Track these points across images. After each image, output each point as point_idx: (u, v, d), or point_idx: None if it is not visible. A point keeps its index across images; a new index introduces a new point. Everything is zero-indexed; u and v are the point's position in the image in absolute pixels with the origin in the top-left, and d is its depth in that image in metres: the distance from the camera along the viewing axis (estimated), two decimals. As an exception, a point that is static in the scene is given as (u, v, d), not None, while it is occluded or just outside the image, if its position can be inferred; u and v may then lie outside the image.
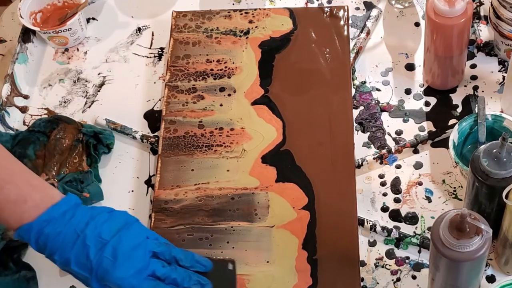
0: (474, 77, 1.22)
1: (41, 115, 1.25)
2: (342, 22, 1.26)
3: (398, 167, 1.15)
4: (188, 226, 1.08)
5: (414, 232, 1.09)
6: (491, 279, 1.04)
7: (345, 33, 1.25)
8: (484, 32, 1.27)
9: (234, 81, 1.22)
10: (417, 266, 1.06)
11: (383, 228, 1.08)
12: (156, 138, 1.19)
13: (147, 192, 1.16)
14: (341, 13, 1.27)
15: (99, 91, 1.27)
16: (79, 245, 0.92)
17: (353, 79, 1.24)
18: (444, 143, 1.16)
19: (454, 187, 1.12)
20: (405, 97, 1.22)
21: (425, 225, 1.09)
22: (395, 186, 1.13)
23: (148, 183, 1.17)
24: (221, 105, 1.19)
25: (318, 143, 1.14)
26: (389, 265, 1.07)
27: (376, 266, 1.07)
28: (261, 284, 1.03)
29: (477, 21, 1.28)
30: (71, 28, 1.29)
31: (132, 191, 1.16)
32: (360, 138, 1.18)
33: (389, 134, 1.18)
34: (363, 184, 1.14)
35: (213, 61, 1.24)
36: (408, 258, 1.07)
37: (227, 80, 1.22)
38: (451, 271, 0.92)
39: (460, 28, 1.11)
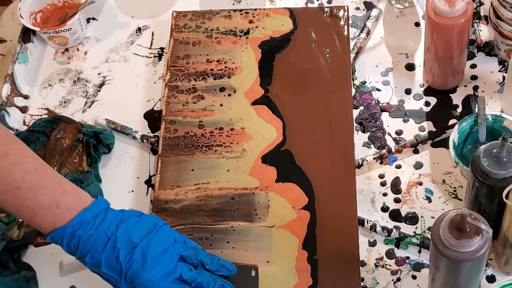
0: (474, 77, 1.22)
1: (41, 115, 1.25)
2: (342, 22, 1.26)
3: (398, 167, 1.15)
4: (188, 226, 1.08)
5: (414, 232, 1.09)
6: (491, 279, 1.04)
7: (345, 33, 1.25)
8: (484, 32, 1.27)
9: (234, 81, 1.22)
10: (417, 266, 1.06)
11: (383, 228, 1.08)
12: (156, 138, 1.20)
13: (147, 192, 1.16)
14: (341, 13, 1.27)
15: (99, 91, 1.27)
16: (109, 248, 0.94)
17: (353, 79, 1.24)
18: (444, 143, 1.16)
19: (454, 187, 1.12)
20: (405, 97, 1.22)
21: (425, 225, 1.09)
22: (395, 186, 1.13)
23: (148, 183, 1.17)
24: (221, 105, 1.19)
25: (318, 143, 1.14)
26: (389, 265, 1.07)
27: (376, 266, 1.07)
28: (261, 284, 1.03)
29: (477, 21, 1.28)
30: (71, 28, 1.29)
31: (132, 191, 1.16)
32: (360, 138, 1.18)
33: (389, 134, 1.18)
34: (363, 184, 1.14)
35: (213, 61, 1.24)
36: (408, 258, 1.07)
37: (227, 80, 1.22)
38: (451, 271, 0.92)
39: (460, 28, 1.11)
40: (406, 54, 1.26)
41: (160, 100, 1.25)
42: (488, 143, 0.97)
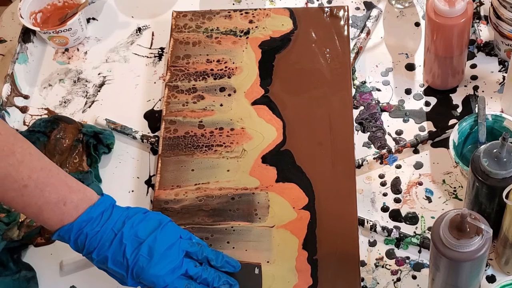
0: (474, 77, 1.22)
1: (41, 115, 1.25)
2: (342, 22, 1.26)
3: (398, 167, 1.15)
4: (188, 226, 1.08)
5: (414, 232, 1.09)
6: (491, 279, 1.04)
7: (345, 33, 1.25)
8: (484, 32, 1.27)
9: (234, 81, 1.22)
10: (417, 266, 1.06)
11: (383, 228, 1.08)
12: (156, 138, 1.20)
13: (147, 192, 1.16)
14: (341, 13, 1.27)
15: (99, 91, 1.27)
16: (116, 244, 0.95)
17: (353, 79, 1.24)
18: (444, 143, 1.16)
19: (454, 187, 1.12)
20: (405, 97, 1.22)
21: (425, 225, 1.09)
22: (395, 186, 1.13)
23: (148, 183, 1.17)
24: (221, 105, 1.19)
25: (318, 143, 1.14)
26: (389, 265, 1.07)
27: (376, 266, 1.07)
28: (262, 284, 1.03)
29: (477, 21, 1.28)
30: (71, 28, 1.29)
31: (132, 191, 1.16)
32: (360, 138, 1.18)
33: (389, 134, 1.18)
34: (363, 184, 1.14)
35: (213, 61, 1.24)
36: (408, 258, 1.07)
37: (227, 80, 1.22)
38: (451, 271, 0.92)
39: (460, 28, 1.11)
40: (406, 54, 1.26)
41: (160, 100, 1.25)
42: (488, 143, 0.97)
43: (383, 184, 1.14)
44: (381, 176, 1.14)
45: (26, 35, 1.32)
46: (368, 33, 1.29)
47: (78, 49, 1.33)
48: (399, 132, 1.18)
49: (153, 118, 1.23)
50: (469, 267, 0.91)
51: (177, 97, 1.20)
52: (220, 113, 1.18)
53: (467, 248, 0.88)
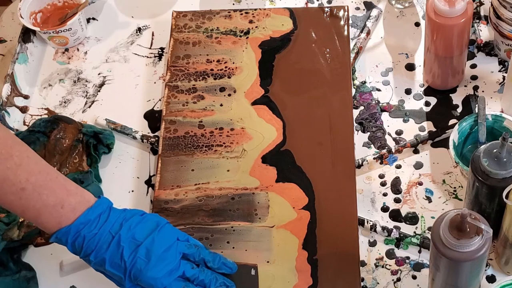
0: (474, 77, 1.22)
1: (41, 115, 1.25)
2: (342, 22, 1.26)
3: (398, 167, 1.15)
4: (188, 226, 1.08)
5: (414, 232, 1.09)
6: (491, 279, 1.04)
7: (345, 33, 1.25)
8: (484, 32, 1.27)
9: (234, 81, 1.22)
10: (417, 266, 1.06)
11: (383, 228, 1.08)
12: (156, 138, 1.20)
13: (147, 192, 1.16)
14: (341, 13, 1.27)
15: (99, 91, 1.27)
16: (113, 246, 0.95)
17: (353, 79, 1.24)
18: (444, 143, 1.16)
19: (454, 187, 1.12)
20: (405, 97, 1.22)
21: (425, 225, 1.09)
22: (395, 186, 1.13)
23: (148, 183, 1.17)
24: (221, 105, 1.19)
25: (318, 143, 1.14)
26: (389, 265, 1.07)
27: (376, 266, 1.07)
28: (261, 284, 1.03)
29: (477, 21, 1.28)
30: (71, 28, 1.29)
31: (132, 191, 1.16)
32: (360, 138, 1.18)
33: (389, 134, 1.18)
34: (363, 184, 1.14)
35: (213, 61, 1.24)
36: (408, 258, 1.07)
37: (227, 80, 1.22)
38: (451, 271, 0.92)
39: (460, 28, 1.11)
40: (406, 54, 1.26)
41: (160, 100, 1.25)
42: (488, 143, 0.97)
43: (383, 184, 1.14)
44: (381, 176, 1.14)
45: (26, 35, 1.32)
46: (368, 33, 1.29)
47: (78, 49, 1.33)
48: (399, 132, 1.18)
49: (153, 118, 1.23)
50: (469, 267, 0.91)
51: (177, 97, 1.20)
52: (220, 113, 1.18)
53: (467, 248, 0.88)
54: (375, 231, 1.09)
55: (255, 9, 1.29)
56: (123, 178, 1.18)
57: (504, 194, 0.92)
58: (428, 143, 1.17)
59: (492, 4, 1.19)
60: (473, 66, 1.23)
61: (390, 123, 1.19)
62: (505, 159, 0.95)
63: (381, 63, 1.26)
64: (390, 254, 1.08)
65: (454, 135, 1.10)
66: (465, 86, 1.21)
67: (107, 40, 1.34)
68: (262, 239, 1.07)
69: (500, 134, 1.02)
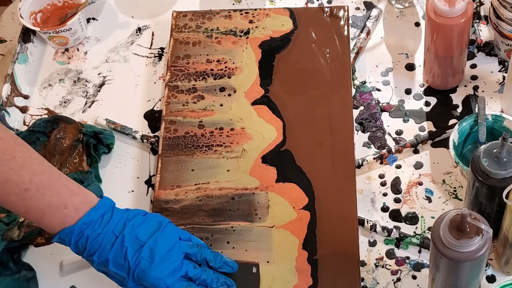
0: (474, 77, 1.22)
1: (41, 115, 1.25)
2: (342, 22, 1.26)
3: (398, 167, 1.15)
4: (188, 226, 1.08)
5: (414, 232, 1.09)
6: (491, 279, 1.04)
7: (345, 33, 1.25)
8: (484, 32, 1.27)
9: (234, 81, 1.22)
10: (417, 266, 1.06)
11: (383, 228, 1.08)
12: (156, 138, 1.19)
13: (147, 192, 1.16)
14: (341, 13, 1.27)
15: (99, 91, 1.27)
16: (117, 246, 0.96)
17: (353, 79, 1.24)
18: (444, 143, 1.16)
19: (454, 187, 1.12)
20: (405, 97, 1.22)
21: (425, 225, 1.09)
22: (395, 186, 1.13)
23: (148, 183, 1.17)
24: (221, 105, 1.19)
25: (318, 143, 1.14)
26: (389, 265, 1.07)
27: (376, 266, 1.07)
28: (261, 284, 1.03)
29: (477, 21, 1.28)
30: (71, 28, 1.29)
31: (132, 191, 1.16)
32: (360, 138, 1.18)
33: (389, 134, 1.18)
34: (363, 184, 1.14)
35: (213, 61, 1.24)
36: (408, 258, 1.07)
37: (227, 80, 1.22)
38: (451, 271, 0.92)
39: (460, 28, 1.11)
40: (406, 54, 1.26)
41: (160, 100, 1.25)
42: (488, 143, 0.97)
43: (383, 184, 1.14)
44: (381, 176, 1.14)
45: (26, 35, 1.32)
46: (368, 33, 1.29)
47: (78, 49, 1.33)
48: (399, 132, 1.18)
49: (153, 118, 1.23)
50: (469, 267, 0.91)
51: (177, 97, 1.20)
52: (220, 113, 1.18)
53: (467, 248, 0.88)
54: (375, 231, 1.09)
55: (255, 9, 1.29)
56: (123, 178, 1.18)
57: (504, 194, 0.92)
58: (428, 143, 1.17)
59: (492, 4, 1.19)
60: (473, 66, 1.23)
61: (390, 123, 1.19)
62: (505, 159, 0.95)
63: (381, 63, 1.26)
64: (390, 254, 1.08)
65: (454, 135, 1.10)
66: (465, 86, 1.21)
67: (107, 40, 1.34)
68: (262, 239, 1.07)
69: (500, 134, 1.02)
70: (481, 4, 1.30)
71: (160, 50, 1.31)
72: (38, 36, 1.33)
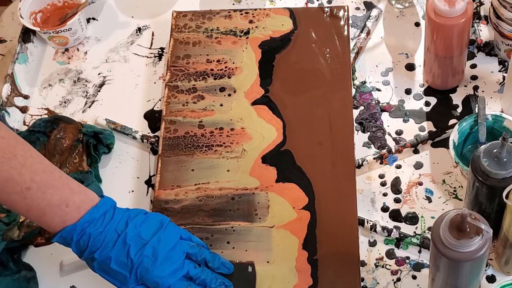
0: (474, 77, 1.22)
1: (41, 115, 1.25)
2: (342, 22, 1.26)
3: (398, 167, 1.15)
4: (188, 226, 1.08)
5: (414, 232, 1.09)
6: (491, 279, 1.04)
7: (345, 33, 1.25)
8: (484, 32, 1.27)
9: (234, 81, 1.22)
10: (417, 266, 1.06)
11: (383, 228, 1.08)
12: (156, 138, 1.20)
13: (147, 192, 1.16)
14: (341, 13, 1.27)
15: (99, 91, 1.27)
16: (119, 244, 0.96)
17: (353, 79, 1.24)
18: (444, 143, 1.16)
19: (454, 187, 1.12)
20: (405, 97, 1.22)
21: (425, 225, 1.09)
22: (395, 186, 1.13)
23: (148, 183, 1.17)
24: (221, 105, 1.19)
25: (318, 143, 1.14)
26: (389, 265, 1.07)
27: (376, 266, 1.07)
28: (261, 284, 1.03)
29: (477, 21, 1.28)
30: (71, 28, 1.29)
31: (132, 191, 1.16)
32: (360, 138, 1.18)
33: (389, 134, 1.18)
34: (363, 184, 1.14)
35: (213, 61, 1.24)
36: (408, 258, 1.07)
37: (227, 80, 1.22)
38: (451, 271, 0.92)
39: (460, 28, 1.11)
40: (406, 54, 1.26)
41: (160, 100, 1.25)
42: (488, 143, 0.97)
43: (383, 184, 1.14)
44: (381, 176, 1.14)
45: (26, 35, 1.32)
46: (368, 33, 1.29)
47: (78, 49, 1.33)
48: (399, 132, 1.18)
49: (153, 118, 1.23)
50: (469, 267, 0.91)
51: (177, 97, 1.20)
52: (220, 113, 1.18)
53: (467, 248, 0.88)
54: (375, 231, 1.09)
55: (255, 9, 1.29)
56: (123, 178, 1.18)
57: (504, 194, 0.92)
58: (428, 143, 1.17)
59: (492, 4, 1.19)
60: (473, 66, 1.23)
61: (390, 123, 1.19)
62: (505, 159, 0.95)
63: (381, 63, 1.26)
64: (390, 254, 1.08)
65: (454, 135, 1.10)
66: (465, 86, 1.21)
67: (107, 40, 1.34)
68: (262, 239, 1.07)
69: (500, 134, 1.02)
70: (481, 4, 1.30)
71: (160, 50, 1.31)
72: (38, 36, 1.33)
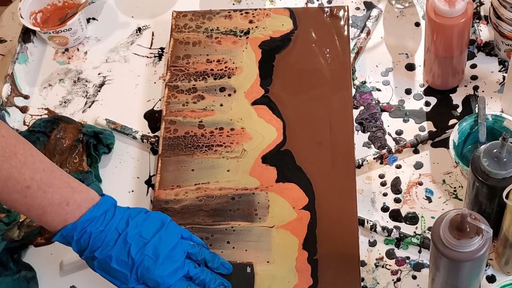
0: (474, 77, 1.22)
1: (41, 115, 1.25)
2: (342, 22, 1.26)
3: (398, 167, 1.15)
4: (188, 226, 1.08)
5: (415, 232, 1.09)
6: (491, 279, 1.04)
7: (345, 33, 1.25)
8: (484, 32, 1.27)
9: (234, 81, 1.22)
10: (418, 266, 1.06)
11: (383, 228, 1.08)
12: (156, 138, 1.20)
13: (147, 192, 1.16)
14: (341, 13, 1.27)
15: (99, 91, 1.27)
16: (120, 243, 0.96)
17: (353, 79, 1.24)
18: (444, 143, 1.16)
19: (455, 187, 1.12)
20: (405, 97, 1.22)
21: (425, 225, 1.09)
22: (395, 186, 1.13)
23: (148, 183, 1.17)
24: (221, 105, 1.19)
25: (319, 143, 1.14)
26: (389, 265, 1.07)
27: (377, 266, 1.07)
28: (262, 284, 1.03)
29: (477, 21, 1.28)
30: (71, 28, 1.29)
31: (132, 191, 1.16)
32: (360, 138, 1.18)
33: (389, 134, 1.18)
34: (363, 184, 1.14)
35: (213, 61, 1.24)
36: (408, 258, 1.07)
37: (227, 80, 1.22)
38: (451, 271, 0.92)
39: (460, 28, 1.11)
40: (406, 54, 1.26)
41: (160, 100, 1.25)
42: (488, 143, 0.97)
43: (383, 184, 1.14)
44: (381, 176, 1.14)
45: (26, 35, 1.32)
46: (368, 33, 1.29)
47: (78, 49, 1.33)
48: (399, 132, 1.18)
49: (153, 118, 1.23)
50: (469, 267, 0.91)
51: (177, 97, 1.20)
52: (220, 113, 1.18)
53: (467, 248, 0.88)
54: (375, 231, 1.09)
55: (255, 9, 1.29)
56: (123, 178, 1.18)
57: (504, 194, 0.92)
58: (428, 143, 1.17)
59: (492, 4, 1.19)
60: (473, 66, 1.23)
61: (390, 123, 1.19)
62: (505, 159, 0.95)
63: (381, 63, 1.26)
64: (390, 254, 1.08)
65: (454, 135, 1.10)
66: (465, 86, 1.21)
67: (107, 40, 1.34)
68: (262, 239, 1.07)
69: (500, 134, 1.02)
70: (481, 4, 1.30)
71: (160, 50, 1.31)
72: (38, 36, 1.33)
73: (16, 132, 0.99)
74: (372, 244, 1.09)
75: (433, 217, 1.10)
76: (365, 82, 1.24)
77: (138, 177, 1.18)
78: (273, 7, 1.34)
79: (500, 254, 1.03)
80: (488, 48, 1.25)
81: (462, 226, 0.88)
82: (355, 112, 1.20)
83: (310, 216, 1.08)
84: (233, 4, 1.36)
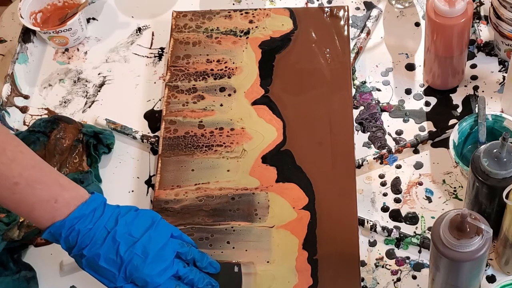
0: (474, 77, 1.22)
1: (41, 115, 1.25)
2: (342, 22, 1.26)
3: (399, 167, 1.15)
4: (188, 226, 1.08)
5: (415, 232, 1.09)
6: (491, 279, 1.04)
7: (345, 33, 1.25)
8: (484, 32, 1.27)
9: (234, 81, 1.22)
10: (418, 266, 1.06)
11: (383, 228, 1.08)
12: (156, 138, 1.20)
13: (147, 192, 1.16)
14: (341, 13, 1.27)
15: (99, 91, 1.27)
16: (109, 242, 0.95)
17: (353, 79, 1.24)
18: (444, 143, 1.16)
19: (455, 187, 1.12)
20: (405, 97, 1.22)
21: (425, 225, 1.09)
22: (395, 186, 1.13)
23: (148, 183, 1.17)
24: (221, 105, 1.19)
25: (319, 143, 1.14)
26: (389, 265, 1.07)
27: (377, 266, 1.07)
28: (262, 284, 1.03)
29: (477, 21, 1.28)
30: (71, 28, 1.29)
31: (132, 191, 1.16)
32: (360, 138, 1.18)
33: (389, 134, 1.18)
34: (363, 184, 1.14)
35: (213, 61, 1.24)
36: (408, 258, 1.07)
37: (227, 80, 1.22)
38: (451, 271, 0.92)
39: (460, 28, 1.12)
40: (406, 54, 1.26)
41: (160, 100, 1.25)
42: (488, 143, 0.97)
43: (383, 184, 1.14)
44: (381, 176, 1.14)
45: (26, 35, 1.32)
46: (368, 33, 1.29)
47: (78, 49, 1.33)
48: (399, 132, 1.18)
49: (153, 118, 1.23)
50: (469, 267, 0.91)
51: (177, 97, 1.20)
52: (220, 113, 1.18)
53: (467, 248, 0.88)
54: (375, 231, 1.09)
55: (255, 9, 1.29)
56: (123, 178, 1.18)
57: (504, 194, 0.92)
58: (428, 143, 1.17)
59: (492, 4, 1.19)
60: (473, 66, 1.23)
61: (390, 123, 1.19)
62: (505, 159, 0.95)
63: (381, 63, 1.26)
64: (390, 254, 1.08)
65: (454, 135, 1.10)
66: (465, 86, 1.21)
67: (107, 40, 1.34)
68: (262, 239, 1.07)
69: (500, 134, 1.02)
70: (481, 4, 1.30)
71: (160, 50, 1.31)
72: (38, 36, 1.33)
73: (6, 129, 0.99)
74: (372, 244, 1.09)
75: (433, 217, 1.10)
76: (365, 82, 1.24)
77: (138, 177, 1.18)
78: (273, 7, 1.34)
79: (500, 254, 1.03)
80: (488, 48, 1.25)
81: (462, 226, 0.88)
82: (355, 112, 1.20)
83: (310, 216, 1.08)
84: (233, 4, 1.36)
